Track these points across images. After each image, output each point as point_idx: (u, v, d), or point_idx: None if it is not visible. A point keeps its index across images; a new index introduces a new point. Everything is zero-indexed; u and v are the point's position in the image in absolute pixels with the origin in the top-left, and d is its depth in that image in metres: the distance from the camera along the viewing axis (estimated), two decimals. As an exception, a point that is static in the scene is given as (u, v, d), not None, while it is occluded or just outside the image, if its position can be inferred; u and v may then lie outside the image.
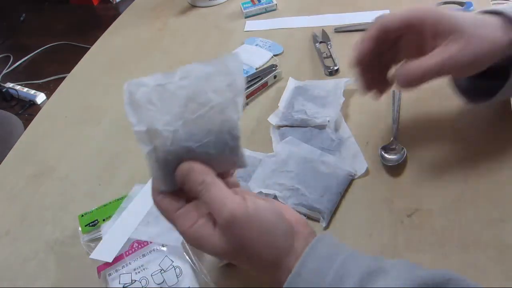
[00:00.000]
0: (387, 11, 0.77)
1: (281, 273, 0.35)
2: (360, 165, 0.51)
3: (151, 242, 0.47)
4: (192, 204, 0.37)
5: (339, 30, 0.75)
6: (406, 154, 0.51)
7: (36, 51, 2.48)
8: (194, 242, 0.35)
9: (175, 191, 0.37)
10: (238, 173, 0.52)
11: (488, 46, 0.41)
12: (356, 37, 0.70)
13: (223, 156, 0.35)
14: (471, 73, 0.43)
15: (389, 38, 0.44)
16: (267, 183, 0.50)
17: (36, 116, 0.72)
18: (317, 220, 0.47)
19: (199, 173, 0.35)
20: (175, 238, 0.46)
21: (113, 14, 2.66)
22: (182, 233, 0.36)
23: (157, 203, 0.37)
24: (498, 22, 0.42)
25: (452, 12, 0.42)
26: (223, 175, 0.38)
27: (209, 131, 0.34)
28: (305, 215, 0.47)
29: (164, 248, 0.46)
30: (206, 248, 0.35)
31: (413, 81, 0.42)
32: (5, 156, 0.66)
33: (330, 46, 0.71)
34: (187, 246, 0.46)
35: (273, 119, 0.59)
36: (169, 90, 0.34)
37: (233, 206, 0.33)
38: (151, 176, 0.36)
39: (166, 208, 0.37)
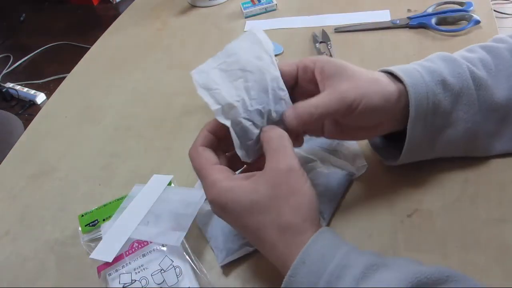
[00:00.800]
0: (387, 11, 0.77)
1: (300, 240, 0.35)
2: (360, 165, 0.51)
3: (151, 242, 0.47)
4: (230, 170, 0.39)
5: (339, 30, 0.75)
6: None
7: (36, 51, 2.48)
8: (225, 192, 0.36)
9: (219, 152, 0.41)
10: (238, 173, 0.52)
11: (376, 88, 0.41)
12: (356, 37, 0.71)
13: (281, 111, 0.41)
14: (367, 122, 0.43)
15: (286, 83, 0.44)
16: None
17: (36, 116, 0.72)
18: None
19: (280, 130, 0.40)
20: (175, 238, 0.46)
21: (113, 14, 2.66)
22: (213, 182, 0.37)
23: (197, 152, 0.39)
24: (384, 75, 0.43)
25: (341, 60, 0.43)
26: None
27: (265, 91, 0.40)
28: (305, 215, 0.47)
29: (164, 248, 0.46)
30: (239, 195, 0.36)
31: (300, 121, 0.40)
32: (5, 156, 0.66)
33: (330, 46, 0.71)
34: (187, 246, 0.46)
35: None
36: (224, 69, 0.41)
37: (297, 161, 0.37)
38: (237, 147, 0.40)
39: (206, 158, 0.38)
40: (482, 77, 0.44)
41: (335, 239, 0.36)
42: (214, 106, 0.39)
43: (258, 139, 0.40)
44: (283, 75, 0.42)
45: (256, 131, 0.40)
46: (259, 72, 0.40)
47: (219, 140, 0.42)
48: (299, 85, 0.44)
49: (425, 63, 0.45)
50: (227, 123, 0.39)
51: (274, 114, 0.41)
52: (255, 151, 0.41)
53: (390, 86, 0.42)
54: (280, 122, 0.41)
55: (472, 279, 0.33)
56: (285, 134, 0.39)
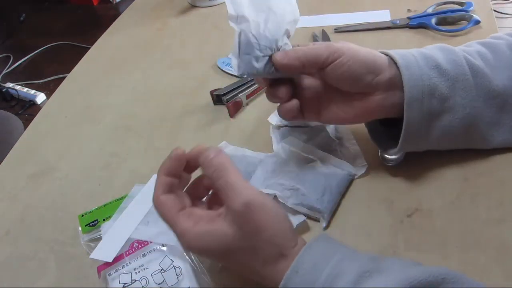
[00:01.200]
0: (387, 11, 0.77)
1: (285, 265, 0.35)
2: (360, 165, 0.51)
3: (151, 242, 0.47)
4: (194, 207, 0.38)
5: (339, 30, 0.75)
6: (406, 154, 0.50)
7: (36, 51, 2.48)
8: (196, 240, 0.35)
9: (176, 195, 0.38)
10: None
11: (365, 49, 0.43)
12: (356, 37, 0.71)
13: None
14: (353, 82, 0.43)
15: None
16: (267, 183, 0.50)
17: (36, 116, 0.72)
18: (317, 220, 0.47)
19: (222, 157, 0.37)
20: (175, 238, 0.46)
21: (113, 14, 2.66)
22: (182, 232, 0.36)
23: (160, 202, 0.37)
24: (383, 56, 0.45)
25: None
26: None
27: (280, 28, 0.44)
28: (305, 215, 0.47)
29: (164, 248, 0.46)
30: (209, 243, 0.35)
31: (286, 58, 0.43)
32: (5, 156, 0.66)
33: (330, 46, 0.71)
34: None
35: (273, 119, 0.59)
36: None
37: (252, 191, 0.35)
38: (234, 55, 0.45)
39: (171, 207, 0.37)
40: (479, 66, 0.44)
41: (328, 246, 0.36)
42: (231, 11, 0.43)
43: (255, 58, 0.43)
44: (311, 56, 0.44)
45: (257, 49, 0.43)
46: (281, 14, 0.44)
47: (180, 175, 0.40)
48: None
49: (421, 49, 0.46)
50: (236, 27, 0.44)
51: (275, 47, 0.44)
52: (249, 67, 0.44)
53: (382, 57, 0.44)
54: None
55: (471, 279, 0.33)
56: (224, 164, 0.37)
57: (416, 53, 0.44)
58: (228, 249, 0.35)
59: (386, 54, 0.45)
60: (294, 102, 0.45)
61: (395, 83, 0.43)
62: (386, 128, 0.50)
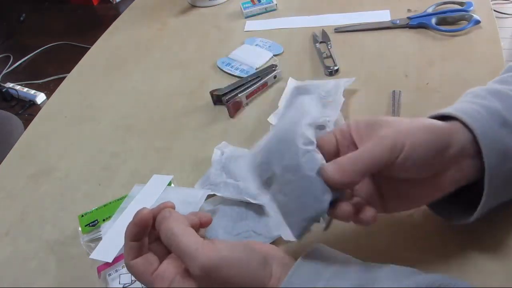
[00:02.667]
0: (387, 11, 0.77)
1: None
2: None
3: (151, 242, 0.47)
4: (165, 262, 0.38)
5: (339, 30, 0.75)
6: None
7: (36, 51, 2.48)
8: None
9: (147, 255, 0.38)
10: (239, 176, 0.52)
11: (422, 124, 0.37)
12: (356, 37, 0.70)
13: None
14: (421, 170, 0.37)
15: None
16: (267, 183, 0.50)
17: (36, 116, 0.72)
18: (317, 220, 0.47)
19: (173, 220, 0.36)
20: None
21: (113, 14, 2.66)
22: None
23: (132, 268, 0.38)
24: (443, 126, 0.38)
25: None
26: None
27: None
28: (305, 215, 0.47)
29: (164, 248, 0.46)
30: None
31: (343, 174, 0.35)
32: (5, 156, 0.66)
33: (330, 46, 0.71)
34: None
35: (273, 119, 0.59)
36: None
37: (206, 252, 0.34)
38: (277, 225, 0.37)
39: (142, 271, 0.37)
40: None
41: (316, 266, 0.35)
42: (257, 187, 0.38)
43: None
44: (322, 146, 0.38)
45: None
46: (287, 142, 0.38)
47: (146, 234, 0.39)
48: (342, 152, 0.39)
49: (481, 102, 0.39)
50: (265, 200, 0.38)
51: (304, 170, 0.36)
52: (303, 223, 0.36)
53: (441, 124, 0.37)
54: (313, 180, 0.36)
55: (466, 282, 0.33)
56: (176, 230, 0.36)
57: (482, 110, 0.38)
58: None
59: (447, 116, 0.39)
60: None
61: (467, 151, 0.37)
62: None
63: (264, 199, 0.38)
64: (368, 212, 0.36)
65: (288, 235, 0.36)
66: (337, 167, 0.35)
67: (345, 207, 0.36)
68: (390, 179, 0.38)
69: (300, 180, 0.36)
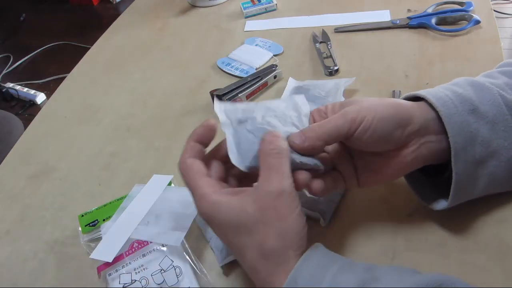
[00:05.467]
0: (387, 11, 0.77)
1: (281, 270, 0.34)
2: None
3: (151, 242, 0.47)
4: (220, 181, 0.38)
5: (339, 30, 0.75)
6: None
7: (36, 51, 2.48)
8: (212, 207, 0.35)
9: (204, 164, 0.39)
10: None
11: (385, 102, 0.39)
12: (356, 37, 0.71)
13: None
14: (382, 143, 0.39)
15: None
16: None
17: (36, 116, 0.72)
18: (317, 220, 0.47)
19: (280, 142, 0.37)
20: (175, 238, 0.46)
21: (113, 14, 2.66)
22: (202, 195, 0.36)
23: (185, 165, 0.38)
24: (406, 104, 0.41)
25: None
26: None
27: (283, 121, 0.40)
28: (305, 215, 0.47)
29: (164, 248, 0.46)
30: (226, 213, 0.35)
31: (305, 139, 0.38)
32: (5, 156, 0.66)
33: (330, 46, 0.71)
34: (187, 246, 0.46)
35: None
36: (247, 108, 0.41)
37: (290, 182, 0.35)
38: (231, 152, 0.38)
39: (196, 170, 0.37)
40: None
41: (324, 257, 0.36)
42: (223, 120, 0.39)
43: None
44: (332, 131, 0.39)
45: (256, 140, 0.38)
46: (282, 113, 0.41)
47: (209, 141, 0.41)
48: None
49: (453, 88, 0.42)
50: (227, 131, 0.39)
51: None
52: (251, 159, 0.38)
53: (405, 105, 0.40)
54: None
55: (465, 282, 0.33)
56: (283, 150, 0.37)
57: (451, 95, 0.40)
58: (239, 225, 0.35)
59: (417, 97, 0.42)
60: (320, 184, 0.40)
61: (428, 128, 0.40)
62: (426, 176, 0.46)
63: (228, 130, 0.39)
64: (316, 183, 0.39)
65: (238, 163, 0.38)
66: (300, 135, 0.38)
67: (302, 175, 0.38)
68: (360, 153, 0.41)
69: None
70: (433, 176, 0.45)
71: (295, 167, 0.38)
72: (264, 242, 0.34)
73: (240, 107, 0.41)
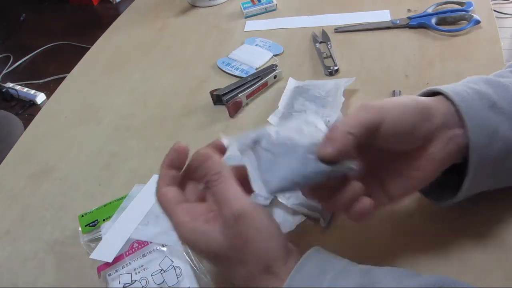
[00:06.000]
0: (387, 11, 0.77)
1: (273, 283, 0.34)
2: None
3: (151, 242, 0.47)
4: (195, 203, 0.37)
5: (339, 30, 0.75)
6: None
7: (36, 51, 2.48)
8: (189, 236, 0.35)
9: (179, 189, 0.38)
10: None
11: (407, 100, 0.38)
12: (356, 37, 0.70)
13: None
14: (405, 141, 0.37)
15: None
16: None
17: (36, 116, 0.72)
18: (317, 220, 0.47)
19: (217, 163, 0.36)
20: (175, 238, 0.45)
21: (113, 14, 2.66)
22: (178, 224, 0.36)
23: (161, 193, 0.37)
24: (423, 99, 0.39)
25: None
26: None
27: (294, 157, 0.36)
28: (305, 215, 0.47)
29: (164, 248, 0.46)
30: (201, 243, 0.35)
31: (335, 145, 0.35)
32: (5, 156, 0.66)
33: (330, 46, 0.71)
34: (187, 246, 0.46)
35: (273, 119, 0.59)
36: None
37: (243, 203, 0.34)
38: (254, 180, 0.36)
39: (170, 198, 0.37)
40: None
41: (320, 263, 0.35)
42: (238, 145, 0.38)
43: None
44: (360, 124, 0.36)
45: (275, 159, 0.36)
46: (297, 126, 0.38)
47: (182, 165, 0.39)
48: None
49: (470, 85, 0.40)
50: (246, 154, 0.37)
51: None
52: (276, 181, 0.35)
53: (422, 98, 0.39)
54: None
55: (465, 283, 0.33)
56: (224, 171, 0.36)
57: (470, 91, 0.39)
58: (216, 255, 0.35)
59: (435, 92, 0.40)
60: (367, 203, 0.37)
61: (451, 122, 0.38)
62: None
63: (245, 155, 0.37)
64: (363, 202, 0.36)
65: (261, 188, 0.36)
66: (326, 142, 0.35)
67: (355, 185, 0.36)
68: (383, 157, 0.39)
69: (296, 146, 0.36)
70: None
71: (328, 178, 0.35)
72: (243, 267, 0.34)
73: (250, 132, 0.38)
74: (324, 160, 0.35)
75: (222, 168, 0.36)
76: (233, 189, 0.35)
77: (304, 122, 0.39)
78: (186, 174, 0.40)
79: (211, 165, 0.36)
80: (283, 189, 0.35)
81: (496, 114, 0.38)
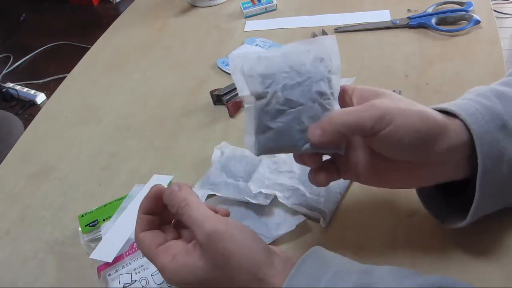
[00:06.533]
0: (387, 11, 0.77)
1: None
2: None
3: (151, 242, 0.47)
4: (174, 240, 0.38)
5: (339, 30, 0.75)
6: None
7: (36, 51, 2.48)
8: (174, 274, 0.35)
9: (156, 231, 0.39)
10: (238, 173, 0.52)
11: (417, 109, 0.36)
12: (356, 37, 0.70)
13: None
14: (406, 151, 0.36)
15: None
16: (267, 183, 0.50)
17: (36, 116, 0.72)
18: (317, 220, 0.47)
19: (184, 193, 0.37)
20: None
21: (113, 14, 2.66)
22: (161, 267, 0.36)
23: (139, 239, 0.38)
24: (438, 119, 0.36)
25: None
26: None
27: (304, 97, 0.36)
28: (305, 215, 0.47)
29: (164, 248, 0.46)
30: (186, 276, 0.35)
31: (323, 133, 0.36)
32: (5, 156, 0.66)
33: (330, 46, 0.71)
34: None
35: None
36: (271, 59, 0.37)
37: (214, 221, 0.35)
38: (246, 132, 0.38)
39: (150, 243, 0.37)
40: None
41: (318, 264, 0.35)
42: (241, 93, 0.37)
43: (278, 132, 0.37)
44: None
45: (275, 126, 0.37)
46: (306, 78, 0.37)
47: (160, 212, 0.40)
48: None
49: (482, 101, 0.38)
50: (246, 105, 0.38)
51: (305, 120, 0.36)
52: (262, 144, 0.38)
53: (438, 115, 0.36)
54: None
55: (465, 282, 0.33)
56: (190, 198, 0.37)
57: (481, 109, 0.37)
58: (203, 280, 0.35)
59: (445, 111, 0.38)
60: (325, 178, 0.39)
61: (457, 152, 0.36)
62: (439, 191, 0.43)
63: (247, 103, 0.38)
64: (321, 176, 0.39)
65: (250, 144, 0.38)
66: (318, 129, 0.36)
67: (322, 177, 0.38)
68: (372, 153, 0.38)
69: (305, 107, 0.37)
70: (445, 191, 0.42)
71: (315, 151, 0.37)
72: (232, 282, 0.35)
73: (262, 69, 0.37)
74: (309, 141, 0.37)
75: (187, 195, 0.37)
76: (201, 211, 0.36)
77: (320, 61, 0.38)
78: (163, 215, 0.40)
79: (177, 196, 0.37)
80: (269, 153, 0.38)
81: (506, 135, 0.37)
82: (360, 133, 0.36)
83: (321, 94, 0.37)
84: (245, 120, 0.38)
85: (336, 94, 0.38)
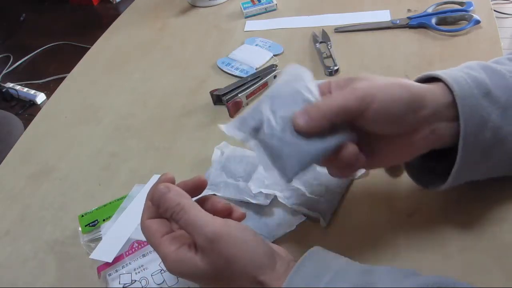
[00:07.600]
0: (387, 11, 0.77)
1: None
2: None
3: (151, 242, 0.47)
4: (180, 230, 0.38)
5: (339, 30, 0.75)
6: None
7: (36, 51, 2.48)
8: (175, 266, 0.36)
9: (162, 219, 0.39)
10: (238, 173, 0.52)
11: (398, 83, 0.37)
12: (356, 37, 0.71)
13: None
14: (391, 125, 0.37)
15: None
16: (267, 183, 0.50)
17: (36, 116, 0.72)
18: (317, 220, 0.47)
19: (175, 195, 0.37)
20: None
21: (113, 14, 2.66)
22: (164, 256, 0.36)
23: (145, 226, 0.38)
24: (419, 86, 0.38)
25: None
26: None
27: (294, 108, 0.37)
28: (305, 215, 0.47)
29: (164, 248, 0.46)
30: (186, 271, 0.35)
31: (308, 120, 0.36)
32: (5, 156, 0.66)
33: (330, 46, 0.71)
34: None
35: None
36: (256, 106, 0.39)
37: (215, 225, 0.35)
38: (268, 169, 0.37)
39: (155, 231, 0.37)
40: None
41: (317, 265, 0.35)
42: (240, 136, 0.38)
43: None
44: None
45: (281, 145, 0.37)
46: (289, 94, 0.38)
47: None
48: None
49: (469, 71, 0.40)
50: (252, 143, 0.38)
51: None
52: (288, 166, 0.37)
53: (419, 85, 0.38)
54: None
55: (465, 282, 0.33)
56: (184, 201, 0.36)
57: (468, 77, 0.39)
58: (202, 280, 0.35)
59: (431, 78, 0.40)
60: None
61: (441, 114, 0.38)
62: (422, 160, 0.44)
63: (251, 143, 0.38)
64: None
65: (276, 177, 0.37)
66: (304, 115, 0.36)
67: (350, 148, 0.36)
68: (365, 135, 0.38)
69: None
70: (430, 157, 0.43)
71: (336, 148, 0.36)
72: (231, 285, 0.35)
73: (246, 114, 0.39)
74: (296, 130, 0.36)
75: (180, 198, 0.37)
76: (199, 216, 0.35)
77: (294, 79, 0.39)
78: None
79: (169, 200, 0.37)
80: (300, 172, 0.36)
81: (490, 102, 0.38)
82: (347, 115, 0.36)
83: (307, 100, 0.38)
84: (260, 161, 0.38)
85: (317, 93, 0.39)
